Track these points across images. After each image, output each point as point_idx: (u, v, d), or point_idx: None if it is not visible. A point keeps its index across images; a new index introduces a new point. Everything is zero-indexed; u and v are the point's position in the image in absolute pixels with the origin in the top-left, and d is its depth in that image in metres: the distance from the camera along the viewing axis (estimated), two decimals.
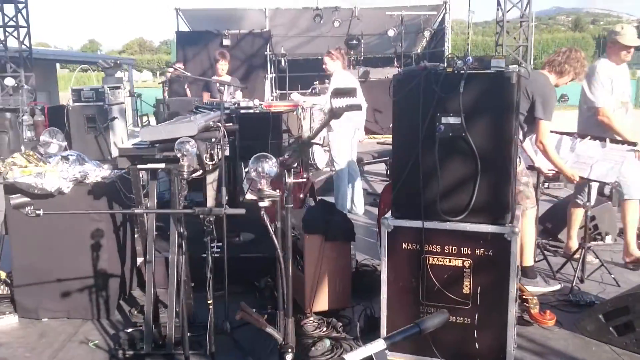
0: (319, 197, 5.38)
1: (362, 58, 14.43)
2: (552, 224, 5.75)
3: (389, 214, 3.34)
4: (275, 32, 15.32)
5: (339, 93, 2.23)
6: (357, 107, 2.27)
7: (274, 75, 15.45)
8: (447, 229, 3.19)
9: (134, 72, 24.39)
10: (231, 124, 4.31)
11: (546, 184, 7.84)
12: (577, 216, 5.01)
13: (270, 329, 2.68)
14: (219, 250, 3.55)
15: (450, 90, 3.07)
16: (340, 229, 3.84)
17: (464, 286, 3.21)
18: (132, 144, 3.64)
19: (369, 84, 13.68)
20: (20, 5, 12.58)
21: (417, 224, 3.22)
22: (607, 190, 6.57)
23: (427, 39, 15.63)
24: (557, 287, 4.30)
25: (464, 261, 3.19)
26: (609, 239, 5.43)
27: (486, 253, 3.15)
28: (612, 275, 4.41)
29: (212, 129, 3.67)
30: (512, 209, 3.21)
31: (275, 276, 3.16)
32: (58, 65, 24.98)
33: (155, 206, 3.63)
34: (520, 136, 4.34)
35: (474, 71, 3.07)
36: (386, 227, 3.30)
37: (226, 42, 13.53)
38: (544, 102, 4.13)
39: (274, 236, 2.55)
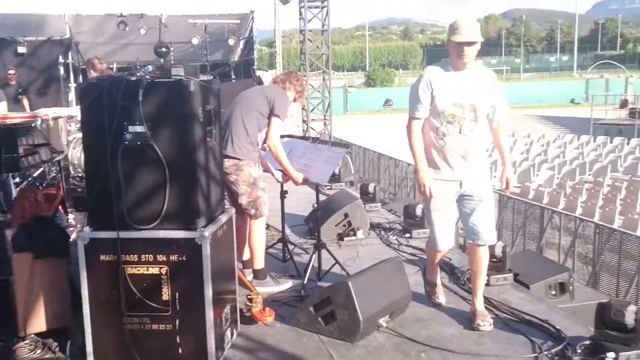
0: None
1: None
2: (314, 223, 6.05)
3: (86, 228, 3.28)
4: (81, 39, 14.58)
5: None
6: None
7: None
8: (142, 238, 3.19)
9: None
10: None
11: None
12: None
13: None
14: None
15: (133, 99, 3.08)
16: (52, 245, 3.70)
17: (162, 293, 3.23)
18: None
19: None
20: None
21: (112, 234, 3.19)
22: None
23: (242, 47, 15.81)
24: (288, 285, 4.51)
25: (160, 268, 3.21)
26: (360, 234, 5.84)
27: (180, 259, 3.20)
28: (345, 273, 4.70)
29: None
30: (207, 213, 3.29)
31: None
32: None
33: None
34: (260, 140, 4.51)
35: (155, 80, 3.11)
36: (82, 239, 3.22)
37: (21, 49, 12.60)
38: (279, 103, 4.37)
39: None
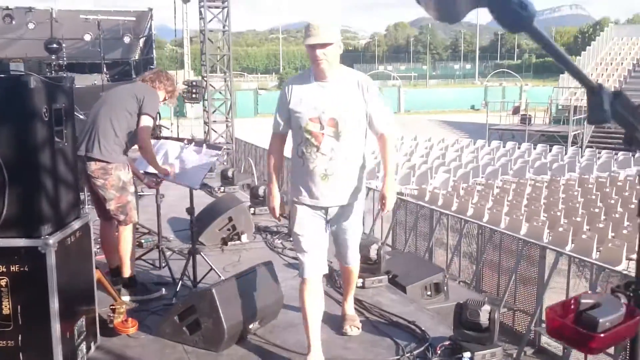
0: None
1: (65, 63, 13.48)
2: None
3: None
4: None
5: None
6: None
7: None
8: None
9: None
10: None
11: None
12: None
13: None
14: None
15: None
16: None
17: (3, 307, 2.98)
18: None
19: (75, 90, 12.85)
20: None
21: None
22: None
23: (141, 46, 15.29)
24: (160, 293, 4.34)
25: (0, 280, 2.96)
26: (244, 238, 5.73)
27: (22, 269, 2.96)
28: (222, 278, 4.58)
29: None
30: (54, 219, 3.07)
31: None
32: None
33: None
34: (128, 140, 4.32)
35: None
36: None
37: None
38: (148, 100, 4.21)
39: None
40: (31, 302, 2.98)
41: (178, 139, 4.67)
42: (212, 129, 13.09)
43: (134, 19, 13.27)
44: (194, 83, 12.93)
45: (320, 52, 3.08)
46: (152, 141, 4.62)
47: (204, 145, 4.43)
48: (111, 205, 4.16)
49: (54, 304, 2.99)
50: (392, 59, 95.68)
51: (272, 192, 3.47)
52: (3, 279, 2.96)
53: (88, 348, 3.44)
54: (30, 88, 2.88)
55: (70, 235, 3.21)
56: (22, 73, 2.91)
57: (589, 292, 3.76)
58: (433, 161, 17.61)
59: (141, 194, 7.97)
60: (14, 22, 12.68)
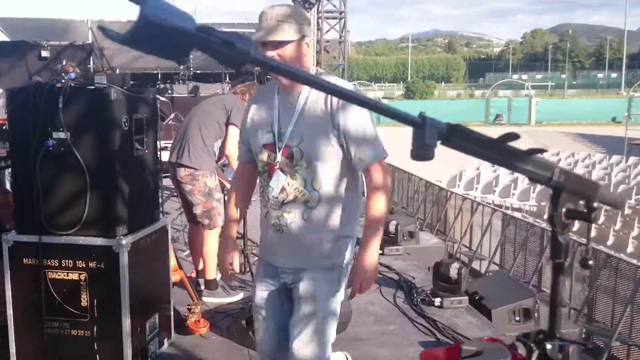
0: None
1: (191, 74, 14.44)
2: None
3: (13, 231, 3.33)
4: (106, 45, 14.98)
5: None
6: None
7: None
8: (62, 243, 3.21)
9: None
10: None
11: None
12: None
13: None
14: None
15: (55, 105, 3.11)
16: None
17: (82, 299, 3.25)
18: None
19: (199, 99, 13.73)
20: None
21: (35, 238, 3.23)
22: None
23: None
24: (239, 297, 4.49)
25: (80, 274, 3.23)
26: None
27: (98, 266, 3.21)
28: None
29: None
30: (130, 221, 3.30)
31: None
32: None
33: None
34: (217, 149, 4.53)
35: (77, 87, 3.15)
36: (6, 242, 3.27)
37: (45, 53, 13.00)
38: (236, 112, 4.36)
39: None
40: (105, 297, 3.22)
41: None
42: None
43: (253, 30, 13.84)
44: None
45: (272, 53, 2.15)
46: None
47: None
48: (197, 210, 4.39)
49: (126, 300, 3.20)
50: (527, 68, 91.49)
51: (224, 236, 2.63)
52: (82, 273, 3.23)
53: (161, 344, 3.64)
54: (111, 100, 3.12)
55: (145, 237, 3.43)
56: (105, 86, 3.15)
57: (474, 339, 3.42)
58: None
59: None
60: None
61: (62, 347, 3.29)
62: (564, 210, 0.98)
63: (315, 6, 12.97)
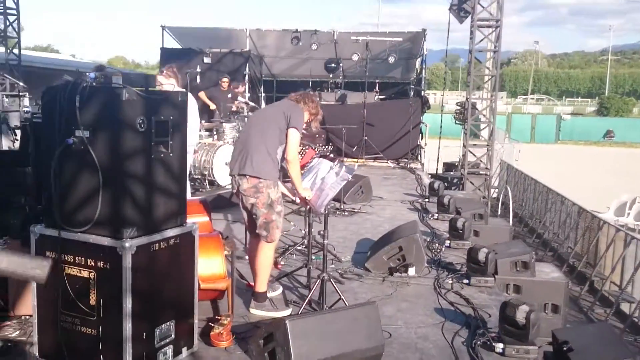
0: None
1: (341, 82, 14.51)
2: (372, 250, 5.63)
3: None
4: (265, 53, 15.70)
5: None
6: None
7: (263, 94, 15.85)
8: (76, 240, 3.25)
9: None
10: None
11: None
12: None
13: None
14: None
15: (75, 104, 3.15)
16: None
17: (90, 298, 3.26)
18: None
19: (346, 107, 13.76)
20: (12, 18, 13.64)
21: (55, 233, 3.31)
22: None
23: (417, 66, 15.55)
24: (286, 313, 4.24)
25: (89, 272, 3.24)
26: (412, 271, 5.24)
27: (105, 266, 3.20)
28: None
29: None
30: (141, 224, 3.23)
31: None
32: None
33: None
34: (279, 157, 4.36)
35: (95, 87, 3.16)
36: (34, 234, 3.40)
37: (207, 59, 13.94)
38: (295, 116, 4.27)
39: None
40: (110, 298, 3.19)
41: (332, 159, 4.51)
42: (470, 151, 12.48)
43: (400, 39, 13.51)
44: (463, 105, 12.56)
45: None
46: (315, 160, 4.60)
47: (344, 166, 4.20)
48: (259, 221, 4.24)
49: (127, 304, 3.14)
50: None
51: None
52: (92, 272, 3.24)
53: (177, 352, 3.53)
54: (122, 100, 3.08)
55: (160, 242, 3.35)
56: (119, 86, 3.12)
57: None
58: None
59: (356, 210, 8.04)
60: (300, 44, 14.09)
61: (72, 342, 3.32)
62: None
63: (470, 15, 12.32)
